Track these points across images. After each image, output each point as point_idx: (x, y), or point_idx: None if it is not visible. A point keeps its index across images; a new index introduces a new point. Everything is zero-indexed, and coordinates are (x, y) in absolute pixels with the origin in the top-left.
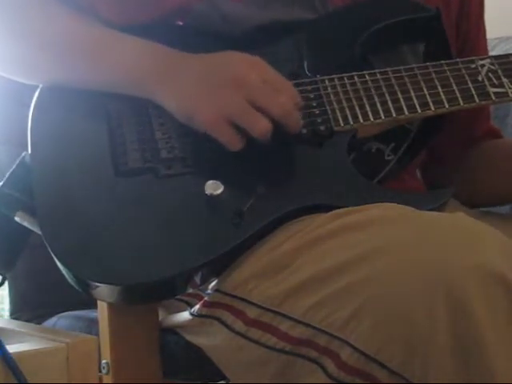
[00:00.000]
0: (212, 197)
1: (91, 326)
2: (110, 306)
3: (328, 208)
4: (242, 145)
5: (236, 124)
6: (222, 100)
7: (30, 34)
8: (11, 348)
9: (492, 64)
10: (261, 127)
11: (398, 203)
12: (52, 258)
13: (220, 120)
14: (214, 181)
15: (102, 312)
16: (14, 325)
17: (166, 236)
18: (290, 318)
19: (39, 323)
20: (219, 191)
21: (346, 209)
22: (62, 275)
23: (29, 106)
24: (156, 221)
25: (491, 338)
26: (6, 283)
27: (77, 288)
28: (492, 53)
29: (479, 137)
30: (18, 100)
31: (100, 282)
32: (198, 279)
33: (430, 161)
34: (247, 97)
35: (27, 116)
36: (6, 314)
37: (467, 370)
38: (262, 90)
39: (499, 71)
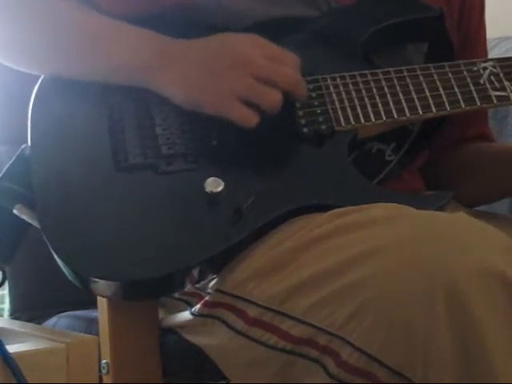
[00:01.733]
0: (212, 194)
1: (91, 326)
2: (110, 305)
3: (328, 207)
4: (256, 120)
5: (246, 101)
6: (227, 81)
7: (31, 21)
8: (11, 348)
9: (494, 67)
10: (271, 99)
11: (398, 204)
12: (52, 257)
13: (229, 99)
14: (215, 178)
15: (101, 312)
16: (14, 325)
17: (166, 232)
18: (291, 317)
19: (39, 323)
20: (219, 189)
21: (345, 208)
22: (62, 275)
23: (28, 106)
24: (156, 217)
25: (492, 336)
26: (6, 283)
27: (75, 283)
28: (492, 52)
29: (471, 137)
30: (18, 100)
31: (99, 278)
32: (196, 276)
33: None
34: (252, 73)
35: (27, 115)
36: (6, 314)
37: (468, 368)
38: (265, 64)
39: (501, 74)
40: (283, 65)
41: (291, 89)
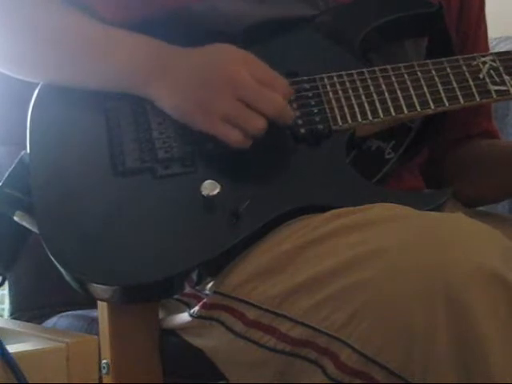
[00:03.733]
0: (209, 197)
1: (91, 326)
2: (110, 305)
3: (326, 208)
4: (240, 140)
5: (231, 122)
6: (215, 101)
7: (28, 30)
8: (11, 348)
9: (493, 61)
10: (255, 125)
11: (397, 203)
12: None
13: (216, 120)
14: (211, 181)
15: (102, 312)
16: (14, 325)
17: (164, 236)
18: (290, 319)
19: (39, 323)
20: (216, 191)
21: (344, 209)
22: (62, 276)
23: (28, 107)
24: (153, 221)
25: (491, 338)
26: (6, 283)
27: (75, 288)
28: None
29: (474, 136)
30: (18, 100)
31: (97, 283)
32: (195, 279)
33: (426, 160)
34: (240, 97)
35: (26, 116)
36: (6, 314)
37: (467, 370)
38: (254, 88)
39: (501, 68)
40: (271, 89)
41: (276, 115)
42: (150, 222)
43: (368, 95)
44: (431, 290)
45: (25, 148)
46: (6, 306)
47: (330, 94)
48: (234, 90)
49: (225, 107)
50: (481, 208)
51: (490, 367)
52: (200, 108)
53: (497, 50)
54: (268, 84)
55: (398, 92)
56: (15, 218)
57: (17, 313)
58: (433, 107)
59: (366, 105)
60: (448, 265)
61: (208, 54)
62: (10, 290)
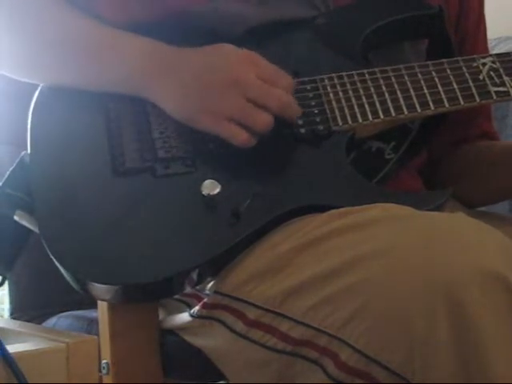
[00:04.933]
0: (209, 197)
1: (91, 326)
2: (110, 306)
3: (326, 208)
4: (246, 138)
5: (237, 122)
6: (221, 102)
7: (31, 32)
8: (11, 348)
9: (494, 62)
10: (261, 122)
11: (397, 203)
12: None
13: (221, 120)
14: (212, 180)
15: (102, 312)
16: (14, 325)
17: (164, 236)
18: (290, 319)
19: (39, 323)
20: (216, 191)
21: (344, 209)
22: (62, 275)
23: (29, 107)
24: (154, 221)
25: (491, 338)
26: (6, 283)
27: (75, 287)
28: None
29: (474, 137)
30: (19, 100)
31: (98, 283)
32: (195, 279)
33: (426, 160)
34: (244, 95)
35: (27, 116)
36: (6, 314)
37: (467, 370)
38: (258, 86)
39: (501, 70)
40: (276, 86)
41: (282, 111)
42: (151, 221)
43: (368, 96)
44: (431, 289)
45: (25, 148)
46: (6, 305)
47: (331, 94)
48: (238, 89)
49: (230, 107)
50: (481, 208)
51: (490, 367)
52: (204, 109)
53: (496, 50)
54: (272, 81)
55: (398, 93)
56: (15, 218)
57: (17, 313)
58: (433, 108)
59: (366, 105)
60: (448, 264)
61: (210, 54)
62: (10, 289)
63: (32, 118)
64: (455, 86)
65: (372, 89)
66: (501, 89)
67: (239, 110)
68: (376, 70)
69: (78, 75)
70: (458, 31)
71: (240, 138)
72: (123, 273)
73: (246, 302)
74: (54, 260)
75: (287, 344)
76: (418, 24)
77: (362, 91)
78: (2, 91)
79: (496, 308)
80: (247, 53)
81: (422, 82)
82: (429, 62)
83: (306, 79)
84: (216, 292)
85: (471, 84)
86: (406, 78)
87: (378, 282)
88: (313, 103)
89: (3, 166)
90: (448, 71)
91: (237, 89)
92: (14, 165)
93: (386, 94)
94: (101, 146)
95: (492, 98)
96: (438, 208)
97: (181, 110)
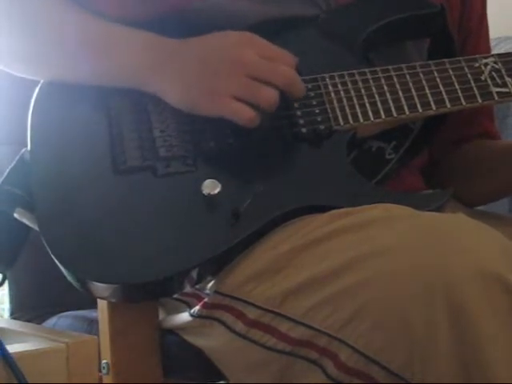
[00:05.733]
0: (209, 196)
1: (91, 326)
2: (110, 306)
3: (326, 208)
4: (252, 115)
5: (242, 100)
6: (224, 83)
7: (31, 28)
8: (11, 348)
9: (495, 63)
10: (267, 96)
11: (398, 204)
12: (52, 258)
13: (225, 100)
14: (212, 180)
15: (102, 312)
16: (14, 325)
17: (164, 235)
18: (290, 319)
19: (39, 323)
20: (217, 190)
21: (344, 209)
22: (63, 275)
23: (29, 106)
24: (154, 220)
25: (491, 338)
26: (6, 283)
27: (75, 286)
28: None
29: (475, 136)
30: (19, 100)
31: (98, 281)
32: (195, 278)
33: (427, 160)
34: (248, 73)
35: (27, 115)
36: (6, 314)
37: (467, 371)
38: (261, 64)
39: (503, 70)
40: (279, 63)
41: (287, 87)
42: (151, 220)
43: (370, 95)
44: (431, 290)
45: (25, 147)
46: (6, 305)
47: (332, 93)
48: (242, 69)
49: (233, 86)
50: (481, 208)
51: (490, 367)
52: (207, 92)
53: (497, 50)
54: (275, 58)
55: (400, 93)
56: (15, 216)
57: (17, 313)
58: (434, 108)
59: (367, 105)
60: (448, 265)
61: (210, 41)
62: (10, 289)
63: (32, 116)
64: (457, 86)
65: (373, 88)
66: (502, 89)
67: (243, 88)
68: (378, 69)
69: (77, 70)
70: (461, 31)
71: (245, 115)
72: (123, 272)
73: (245, 302)
74: (54, 259)
75: (287, 344)
76: (419, 23)
77: (363, 91)
78: (1, 91)
79: (496, 309)
80: (248, 34)
81: (424, 81)
82: (430, 62)
83: (307, 78)
84: (216, 292)
85: (473, 84)
86: (408, 77)
87: (378, 283)
88: (314, 102)
89: (3, 165)
90: (450, 71)
91: (240, 68)
92: (14, 162)
93: (388, 94)
94: (101, 144)
95: (493, 98)
96: (439, 209)
97: (184, 98)
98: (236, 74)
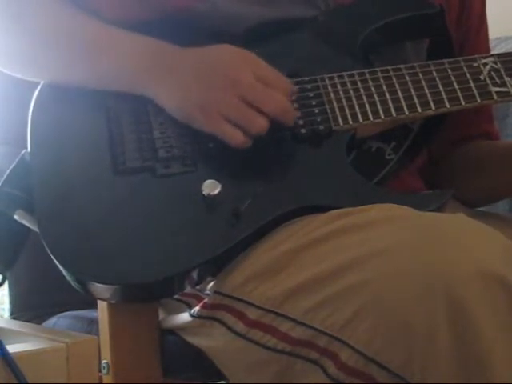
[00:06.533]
0: (209, 197)
1: (91, 326)
2: (110, 305)
3: (326, 208)
4: (242, 140)
5: (234, 123)
6: (218, 101)
7: (30, 30)
8: (11, 348)
9: (495, 62)
10: (257, 125)
11: (397, 204)
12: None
13: (217, 120)
14: (212, 180)
15: (102, 312)
16: (14, 325)
17: (164, 236)
18: (290, 319)
19: (39, 323)
20: (217, 191)
21: (344, 210)
22: (62, 275)
23: (29, 107)
24: (154, 220)
25: (491, 338)
26: (6, 283)
27: (75, 287)
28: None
29: (475, 137)
30: (19, 100)
31: (98, 282)
32: (195, 278)
33: (426, 160)
34: (242, 96)
35: (27, 117)
36: (6, 314)
37: (467, 370)
38: (256, 88)
39: (502, 70)
40: (274, 89)
41: (279, 116)
42: (151, 221)
43: (369, 96)
44: (431, 290)
45: (25, 148)
46: (6, 305)
47: (331, 94)
48: (236, 89)
49: (227, 107)
50: (481, 208)
51: (490, 367)
52: (201, 108)
53: (497, 50)
54: (270, 83)
55: (399, 93)
56: (15, 217)
57: (17, 313)
58: (434, 108)
59: (367, 105)
60: (448, 265)
61: (209, 54)
62: (10, 289)
63: (32, 117)
64: (456, 86)
65: (373, 88)
66: (502, 89)
67: (236, 111)
68: (377, 69)
69: (75, 72)
70: (460, 31)
71: (235, 139)
72: (123, 272)
73: (246, 302)
74: (54, 260)
75: (287, 344)
76: (418, 23)
77: (362, 91)
78: (1, 91)
79: (495, 308)
80: (246, 53)
81: (423, 82)
82: (430, 62)
83: (307, 79)
84: (216, 292)
85: (472, 84)
86: (407, 77)
87: (378, 283)
88: (313, 103)
89: (3, 165)
90: (449, 71)
91: (235, 89)
92: (15, 163)
93: (387, 94)
94: (101, 145)
95: (493, 98)
96: (439, 209)
97: (180, 109)
98: (229, 91)
